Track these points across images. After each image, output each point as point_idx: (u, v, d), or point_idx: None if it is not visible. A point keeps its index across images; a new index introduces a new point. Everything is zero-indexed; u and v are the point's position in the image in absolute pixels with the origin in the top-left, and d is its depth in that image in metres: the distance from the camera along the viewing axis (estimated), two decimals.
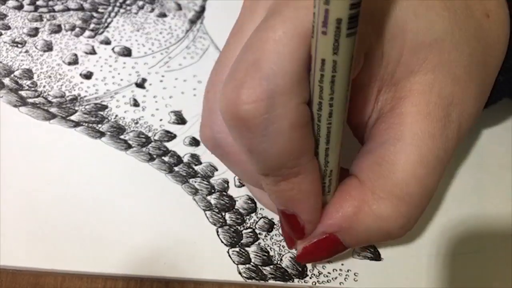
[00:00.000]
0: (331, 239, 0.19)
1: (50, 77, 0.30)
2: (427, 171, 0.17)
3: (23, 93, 0.29)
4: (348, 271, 0.23)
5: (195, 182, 0.26)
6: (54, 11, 0.34)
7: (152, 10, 0.35)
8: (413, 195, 0.18)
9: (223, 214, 0.25)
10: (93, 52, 0.32)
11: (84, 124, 0.28)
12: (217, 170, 0.27)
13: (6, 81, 0.30)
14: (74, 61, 0.31)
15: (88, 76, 0.30)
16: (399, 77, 0.18)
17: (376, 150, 0.18)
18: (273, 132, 0.15)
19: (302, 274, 0.23)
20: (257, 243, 0.24)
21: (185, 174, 0.26)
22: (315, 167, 0.18)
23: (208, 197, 0.26)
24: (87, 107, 0.29)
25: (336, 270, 0.23)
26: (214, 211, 0.25)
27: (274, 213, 0.25)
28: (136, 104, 0.29)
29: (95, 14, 0.34)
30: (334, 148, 0.17)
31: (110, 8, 0.35)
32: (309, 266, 0.23)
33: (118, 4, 0.35)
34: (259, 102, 0.15)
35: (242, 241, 0.24)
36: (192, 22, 0.34)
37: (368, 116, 0.19)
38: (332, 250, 0.20)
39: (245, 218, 0.25)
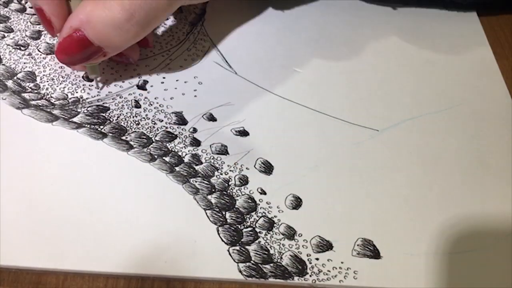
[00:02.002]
0: (78, 35, 0.24)
1: (53, 79, 0.31)
2: None
3: (26, 95, 0.30)
4: (347, 269, 0.24)
5: (196, 181, 0.26)
6: None
7: None
8: None
9: (224, 213, 0.25)
10: None
11: (86, 125, 0.28)
12: (217, 169, 0.27)
13: (9, 83, 0.30)
14: None
15: (90, 78, 0.31)
16: None
17: None
18: None
19: (302, 272, 0.23)
20: (257, 241, 0.24)
21: (186, 174, 0.27)
22: None
23: (209, 197, 0.26)
24: (89, 109, 0.29)
25: (336, 268, 0.24)
26: (214, 210, 0.25)
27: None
28: (137, 105, 0.30)
29: None
30: None
31: None
32: (308, 264, 0.24)
33: None
34: None
35: (242, 240, 0.24)
36: (193, 24, 0.35)
37: None
38: (82, 45, 0.25)
39: (245, 217, 0.25)
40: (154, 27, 0.26)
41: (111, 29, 0.24)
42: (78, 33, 0.24)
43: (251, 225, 0.25)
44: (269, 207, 0.26)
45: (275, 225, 0.25)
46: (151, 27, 0.26)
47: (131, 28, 0.24)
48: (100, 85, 0.30)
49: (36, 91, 0.30)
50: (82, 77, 0.31)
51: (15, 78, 0.30)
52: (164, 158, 0.27)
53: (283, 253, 0.24)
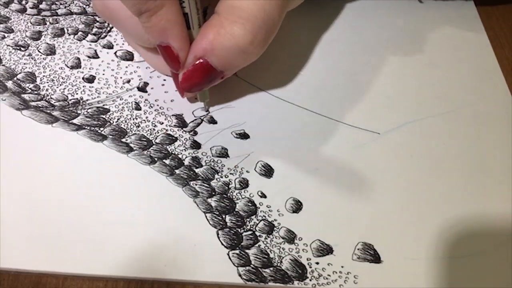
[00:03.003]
0: (202, 63, 0.24)
1: (53, 80, 0.30)
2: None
3: (26, 96, 0.29)
4: (348, 273, 0.24)
5: (196, 184, 0.26)
6: (57, 14, 0.35)
7: None
8: (256, 17, 0.23)
9: (224, 216, 0.25)
10: (95, 56, 0.32)
11: (86, 127, 0.28)
12: (218, 172, 0.27)
13: (9, 84, 0.30)
14: (77, 65, 0.32)
15: (90, 79, 0.31)
16: None
17: None
18: None
19: (302, 277, 0.23)
20: (257, 245, 0.24)
21: (186, 176, 0.26)
22: (174, 1, 0.23)
23: (209, 200, 0.26)
24: (89, 110, 0.29)
25: (336, 273, 0.24)
26: (214, 213, 0.25)
27: (162, 73, 0.31)
28: (137, 107, 0.29)
29: (97, 18, 0.35)
30: None
31: None
32: (308, 268, 0.24)
33: None
34: None
35: (242, 244, 0.24)
36: None
37: None
38: (206, 72, 0.24)
39: (245, 221, 0.25)
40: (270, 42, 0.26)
41: (235, 54, 0.24)
42: (202, 62, 0.24)
43: (251, 228, 0.25)
44: (269, 210, 0.26)
45: (275, 228, 0.25)
46: (268, 44, 0.25)
47: (253, 50, 0.24)
48: (208, 107, 0.29)
49: (36, 92, 0.30)
50: (82, 78, 0.31)
51: (15, 79, 0.30)
52: (164, 160, 0.27)
53: (283, 257, 0.24)
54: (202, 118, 0.29)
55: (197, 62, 0.24)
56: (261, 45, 0.24)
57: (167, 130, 0.28)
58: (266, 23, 0.24)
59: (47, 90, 0.30)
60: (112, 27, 0.34)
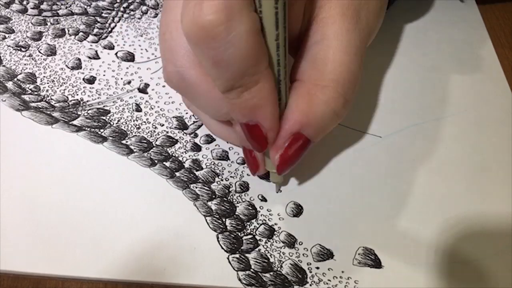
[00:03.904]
0: (298, 137, 0.22)
1: (53, 81, 0.30)
2: (350, 57, 0.21)
3: (26, 97, 0.29)
4: (348, 278, 0.23)
5: (196, 187, 0.26)
6: (58, 15, 0.35)
7: (156, 15, 0.35)
8: (344, 77, 0.21)
9: (224, 220, 0.25)
10: (96, 57, 0.32)
11: (86, 128, 0.28)
12: (218, 175, 0.27)
13: (9, 84, 0.30)
14: (78, 66, 0.31)
15: (91, 80, 0.31)
16: None
17: (308, 53, 0.21)
18: (234, 37, 0.17)
19: (302, 281, 0.23)
20: (257, 249, 0.24)
21: (186, 179, 0.26)
22: (271, 75, 0.20)
23: (209, 203, 0.26)
24: (89, 111, 0.29)
25: (337, 278, 0.23)
26: (214, 217, 0.25)
27: (234, 144, 0.28)
28: (138, 109, 0.29)
29: (98, 19, 0.34)
30: (282, 57, 0.19)
31: (113, 13, 0.35)
32: (309, 273, 0.23)
33: (121, 9, 0.35)
34: (220, 12, 0.17)
35: (242, 248, 0.24)
36: None
37: (299, 28, 0.22)
38: (302, 147, 0.22)
39: (245, 224, 0.25)
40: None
41: (331, 121, 0.22)
42: (297, 137, 0.22)
43: (251, 232, 0.25)
44: (269, 214, 0.25)
45: (275, 232, 0.25)
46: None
47: (345, 111, 0.22)
48: (279, 188, 0.27)
49: (36, 93, 0.30)
50: (83, 79, 0.30)
51: (15, 79, 0.30)
52: (164, 163, 0.27)
53: (283, 262, 0.24)
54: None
55: (292, 138, 0.21)
56: (351, 105, 0.22)
57: (167, 132, 0.28)
58: (353, 82, 0.22)
59: (47, 91, 0.30)
60: (113, 28, 0.34)
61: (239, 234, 0.25)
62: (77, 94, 0.30)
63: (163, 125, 0.29)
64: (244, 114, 0.20)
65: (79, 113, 0.29)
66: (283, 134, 0.21)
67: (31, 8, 0.35)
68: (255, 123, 0.21)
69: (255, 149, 0.23)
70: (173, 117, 0.29)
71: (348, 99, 0.22)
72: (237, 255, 0.24)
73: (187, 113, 0.29)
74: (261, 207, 0.26)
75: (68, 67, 0.31)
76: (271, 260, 0.24)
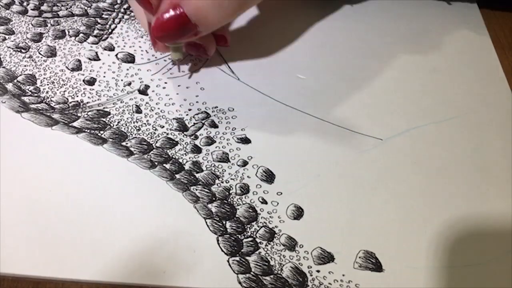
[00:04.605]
0: (175, 8, 0.24)
1: (53, 82, 0.30)
2: None
3: (26, 98, 0.29)
4: (349, 282, 0.23)
5: (196, 190, 0.26)
6: (58, 16, 0.34)
7: None
8: None
9: (224, 222, 0.25)
10: (96, 58, 0.32)
11: (86, 130, 0.28)
12: (218, 178, 0.26)
13: (9, 86, 0.30)
14: (78, 67, 0.31)
15: (91, 82, 0.30)
16: None
17: None
18: None
19: (302, 285, 0.23)
20: (257, 252, 0.24)
21: (186, 181, 0.26)
22: None
23: (209, 205, 0.25)
24: (89, 113, 0.29)
25: (337, 281, 0.23)
26: (215, 219, 0.25)
27: (143, 26, 0.30)
28: (138, 110, 0.29)
29: (99, 20, 0.34)
30: None
31: (114, 14, 0.35)
32: (309, 276, 0.23)
33: (122, 10, 0.35)
34: None
35: (242, 250, 0.24)
36: None
37: None
38: (179, 21, 0.24)
39: (246, 227, 0.25)
40: (250, 6, 0.26)
41: (210, 6, 0.24)
42: (176, 10, 0.24)
43: (252, 235, 0.25)
44: (270, 217, 0.25)
45: (276, 235, 0.25)
46: (248, 6, 0.26)
47: (229, 5, 0.24)
48: (181, 68, 0.29)
49: (36, 94, 0.30)
50: (83, 81, 0.30)
51: (15, 81, 0.30)
52: (164, 165, 0.27)
53: (283, 265, 0.24)
54: (203, 122, 0.29)
55: (172, 9, 0.24)
56: (237, 3, 0.25)
57: (167, 134, 0.28)
58: None
59: (47, 92, 0.30)
60: (114, 29, 0.34)
61: (240, 236, 0.24)
62: (77, 96, 0.30)
63: (163, 126, 0.29)
64: None
65: (79, 114, 0.29)
66: (164, 1, 0.24)
67: (31, 9, 0.35)
68: None
69: (145, 11, 0.26)
70: (173, 118, 0.29)
71: None
72: (238, 258, 0.24)
73: (187, 114, 0.29)
74: (262, 210, 0.25)
75: (68, 69, 0.31)
76: (272, 263, 0.24)
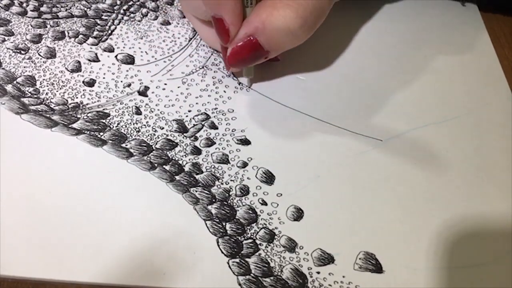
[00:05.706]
0: (251, 40, 0.26)
1: (52, 84, 0.30)
2: None
3: (25, 100, 0.29)
4: (349, 283, 0.23)
5: (196, 191, 0.26)
6: (58, 17, 0.34)
7: (156, 17, 0.35)
8: (308, 3, 0.25)
9: (224, 224, 0.25)
10: (96, 59, 0.32)
11: (86, 132, 0.28)
12: (218, 179, 0.26)
13: (9, 87, 0.30)
14: (77, 68, 0.31)
15: (91, 83, 0.30)
16: None
17: None
18: None
19: (302, 286, 0.23)
20: (257, 254, 0.24)
21: (186, 183, 0.26)
22: None
23: (209, 207, 0.25)
24: (89, 115, 0.29)
25: (337, 283, 0.23)
26: (214, 221, 0.25)
27: (211, 46, 0.32)
28: (138, 112, 0.29)
29: (98, 21, 0.34)
30: None
31: (114, 16, 0.35)
32: (309, 278, 0.23)
33: (122, 11, 0.35)
34: None
35: (242, 252, 0.24)
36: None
37: None
38: (253, 50, 0.26)
39: (245, 229, 0.25)
40: (315, 29, 0.27)
41: (284, 36, 0.25)
42: (251, 39, 0.26)
43: (252, 236, 0.24)
44: (270, 218, 0.25)
45: (276, 237, 0.25)
46: (315, 29, 0.27)
47: (301, 34, 0.26)
48: (251, 84, 0.31)
49: (35, 96, 0.30)
50: (83, 82, 0.30)
51: (14, 82, 0.30)
52: (164, 166, 0.27)
53: (283, 266, 0.24)
54: (203, 123, 0.29)
55: (247, 39, 0.26)
56: (309, 30, 0.26)
57: (167, 136, 0.28)
58: (316, 10, 0.25)
59: (47, 94, 0.30)
60: (113, 31, 0.34)
61: (239, 238, 0.24)
62: (77, 97, 0.30)
63: (163, 128, 0.28)
64: (211, 7, 0.25)
65: (78, 116, 0.29)
66: (240, 33, 0.26)
67: (30, 10, 0.35)
68: (220, 17, 0.25)
69: (221, 42, 0.27)
70: (173, 120, 0.29)
71: (307, 23, 0.25)
72: (237, 260, 0.24)
73: (187, 116, 0.29)
74: (262, 211, 0.25)
75: (68, 70, 0.31)
76: (272, 264, 0.24)
